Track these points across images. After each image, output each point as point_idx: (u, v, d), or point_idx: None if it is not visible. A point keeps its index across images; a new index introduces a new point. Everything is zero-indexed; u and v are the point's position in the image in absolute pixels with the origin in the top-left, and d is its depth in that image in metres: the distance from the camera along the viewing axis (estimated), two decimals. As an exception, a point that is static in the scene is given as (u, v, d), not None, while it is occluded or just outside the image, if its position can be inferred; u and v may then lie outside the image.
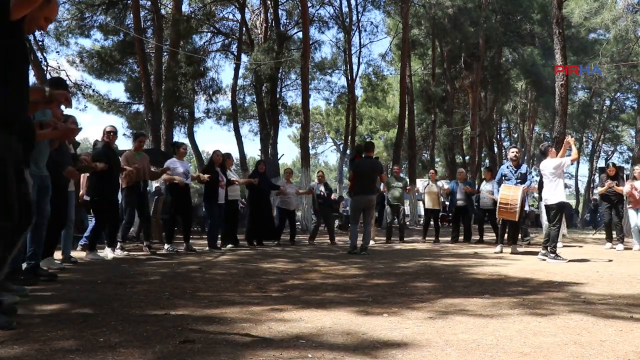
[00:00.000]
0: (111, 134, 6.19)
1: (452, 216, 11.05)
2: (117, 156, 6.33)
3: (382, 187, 10.29)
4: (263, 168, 9.33)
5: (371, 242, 8.89)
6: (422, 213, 14.13)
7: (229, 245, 8.14)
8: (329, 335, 2.39)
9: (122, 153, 6.92)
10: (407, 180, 11.94)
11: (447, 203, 12.11)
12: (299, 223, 16.70)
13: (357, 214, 7.50)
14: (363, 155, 7.58)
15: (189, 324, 2.56)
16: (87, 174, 6.38)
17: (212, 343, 2.20)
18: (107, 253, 6.13)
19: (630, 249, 8.45)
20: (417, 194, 17.45)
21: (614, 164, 9.44)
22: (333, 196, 11.28)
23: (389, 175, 10.84)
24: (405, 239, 10.56)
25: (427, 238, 10.67)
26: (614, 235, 8.84)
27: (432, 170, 11.71)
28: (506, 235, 7.89)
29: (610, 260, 6.50)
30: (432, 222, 11.02)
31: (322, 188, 10.24)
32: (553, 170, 6.44)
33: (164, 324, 2.56)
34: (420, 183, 18.63)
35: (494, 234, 9.64)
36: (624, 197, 8.81)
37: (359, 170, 7.43)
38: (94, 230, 6.21)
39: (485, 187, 9.47)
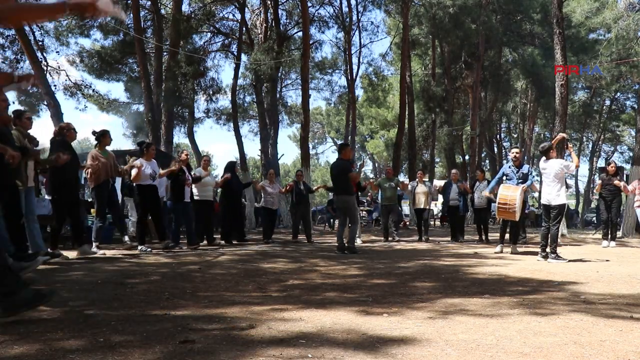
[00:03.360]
0: (64, 130, 6.05)
1: (447, 216, 11.25)
2: (74, 154, 6.14)
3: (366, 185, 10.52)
4: (237, 169, 9.98)
5: (358, 242, 9.16)
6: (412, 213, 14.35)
7: (202, 243, 8.40)
8: (329, 334, 2.39)
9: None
10: (399, 179, 12.18)
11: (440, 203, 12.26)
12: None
13: (339, 214, 7.89)
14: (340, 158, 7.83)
15: (189, 324, 2.56)
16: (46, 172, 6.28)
17: (212, 343, 2.20)
18: (85, 250, 6.05)
19: (626, 247, 8.49)
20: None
21: (614, 163, 9.64)
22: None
23: (382, 176, 11.03)
24: (406, 239, 10.62)
25: (422, 237, 10.81)
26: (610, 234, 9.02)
27: (419, 171, 12.01)
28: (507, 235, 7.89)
29: (607, 260, 6.51)
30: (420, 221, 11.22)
31: (301, 186, 10.52)
32: (557, 172, 6.42)
33: (164, 324, 2.56)
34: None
35: (495, 234, 9.73)
36: (624, 196, 8.94)
37: (330, 175, 7.94)
38: (53, 229, 6.12)
39: (479, 187, 9.70)
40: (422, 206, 10.89)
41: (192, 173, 8.57)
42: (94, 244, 6.55)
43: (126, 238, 6.69)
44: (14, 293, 2.54)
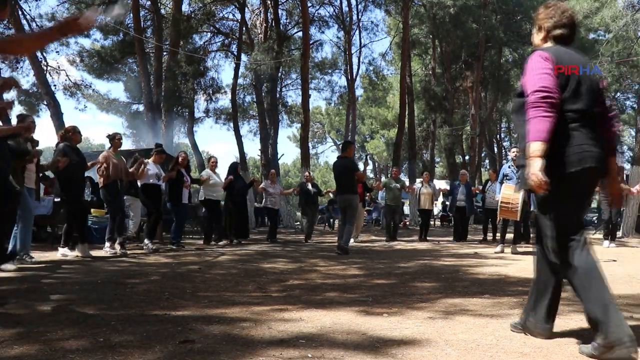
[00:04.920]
0: (69, 133, 6.14)
1: (453, 216, 11.33)
2: (80, 156, 6.26)
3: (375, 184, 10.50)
4: (238, 169, 9.93)
5: (352, 242, 9.06)
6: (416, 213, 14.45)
7: (222, 242, 8.63)
8: (329, 335, 2.39)
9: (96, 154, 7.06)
10: (405, 181, 12.32)
11: (448, 203, 12.35)
12: (298, 222, 16.75)
13: (341, 213, 7.69)
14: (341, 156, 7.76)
15: (189, 324, 2.56)
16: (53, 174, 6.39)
17: (212, 343, 2.20)
18: (65, 252, 6.05)
19: (626, 247, 8.51)
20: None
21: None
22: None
23: (389, 177, 11.08)
24: (406, 239, 10.65)
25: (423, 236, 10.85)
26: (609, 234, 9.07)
27: (425, 173, 12.16)
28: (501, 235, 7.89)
29: (614, 260, 6.49)
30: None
31: (309, 186, 10.63)
32: None
33: (164, 324, 2.56)
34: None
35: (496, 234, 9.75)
36: (625, 196, 9.00)
37: (333, 172, 7.79)
38: (65, 229, 6.24)
39: (491, 187, 9.74)
40: (426, 207, 11.01)
41: (200, 176, 8.77)
42: (107, 243, 6.64)
43: (107, 244, 6.71)
44: None
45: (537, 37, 2.40)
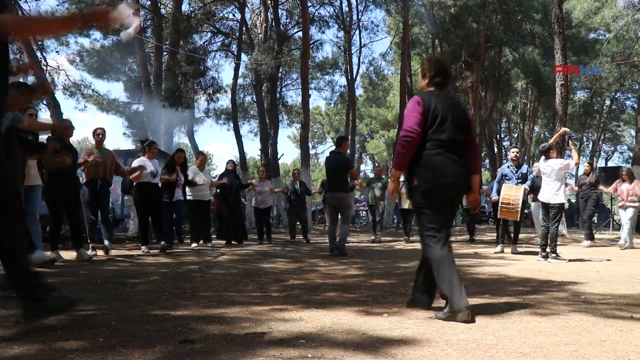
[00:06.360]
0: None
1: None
2: (74, 153, 6.00)
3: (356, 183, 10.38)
4: (232, 167, 9.48)
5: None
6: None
7: (193, 245, 8.30)
8: (329, 334, 2.39)
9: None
10: (387, 180, 12.17)
11: None
12: (298, 223, 16.76)
13: (330, 212, 7.27)
14: (334, 152, 7.30)
15: (189, 324, 2.56)
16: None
17: (212, 343, 2.20)
18: (81, 253, 5.86)
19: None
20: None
21: (589, 163, 10.07)
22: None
23: (372, 176, 10.92)
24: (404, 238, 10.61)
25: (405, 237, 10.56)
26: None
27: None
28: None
29: (608, 260, 6.51)
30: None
31: (297, 185, 10.29)
32: (557, 171, 6.44)
33: (164, 324, 2.56)
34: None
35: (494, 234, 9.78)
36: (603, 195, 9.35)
37: (326, 168, 7.29)
38: (50, 230, 6.00)
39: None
40: (406, 207, 10.47)
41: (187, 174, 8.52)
42: (106, 242, 6.51)
43: (106, 242, 6.57)
44: (41, 298, 2.36)
45: (423, 82, 3.06)
